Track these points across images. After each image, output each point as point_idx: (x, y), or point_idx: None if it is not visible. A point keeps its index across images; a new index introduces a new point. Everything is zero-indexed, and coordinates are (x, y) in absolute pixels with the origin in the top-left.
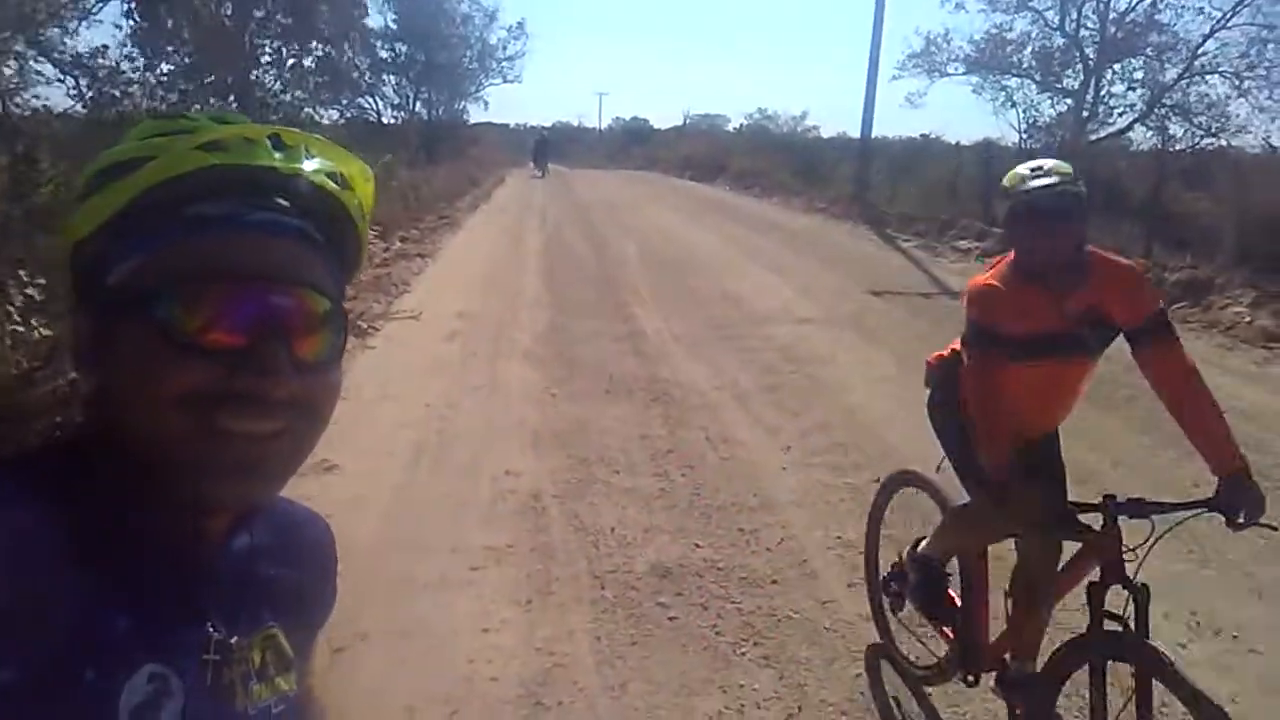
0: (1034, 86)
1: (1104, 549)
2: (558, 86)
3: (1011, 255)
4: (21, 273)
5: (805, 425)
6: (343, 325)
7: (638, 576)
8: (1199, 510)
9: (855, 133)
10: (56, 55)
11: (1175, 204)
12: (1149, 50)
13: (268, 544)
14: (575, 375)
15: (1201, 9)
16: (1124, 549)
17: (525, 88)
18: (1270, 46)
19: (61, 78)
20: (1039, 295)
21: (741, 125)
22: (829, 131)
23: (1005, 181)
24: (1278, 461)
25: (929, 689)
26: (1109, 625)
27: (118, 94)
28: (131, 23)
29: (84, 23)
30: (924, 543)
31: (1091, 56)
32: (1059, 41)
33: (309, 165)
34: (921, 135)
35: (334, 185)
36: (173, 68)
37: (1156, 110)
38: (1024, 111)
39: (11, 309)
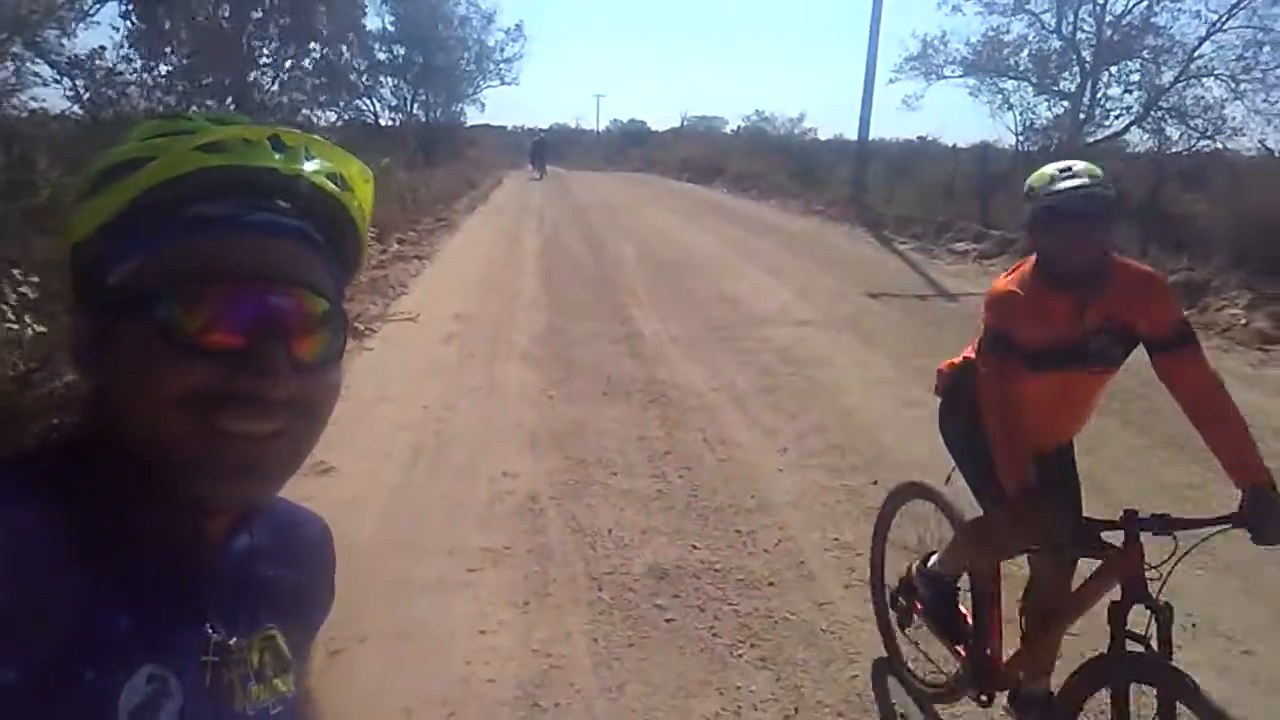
0: (1031, 89)
1: (1125, 566)
2: (555, 88)
3: (1033, 259)
4: (15, 272)
5: (802, 427)
6: (342, 326)
7: (635, 578)
8: (1225, 526)
9: (852, 135)
10: (53, 57)
11: (1172, 206)
12: (1145, 53)
13: (267, 545)
14: (573, 377)
15: (1198, 12)
16: (1146, 566)
17: (523, 90)
18: (1266, 49)
19: (58, 79)
20: (1060, 302)
21: (739, 127)
22: (826, 134)
23: (1032, 181)
24: (1275, 464)
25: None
26: (1130, 646)
27: (115, 96)
28: (129, 24)
29: (81, 24)
30: (934, 558)
31: (1088, 59)
32: (1055, 44)
33: (309, 166)
34: (918, 137)
35: (334, 186)
36: (170, 69)
37: (1153, 113)
38: (1021, 114)
39: (6, 307)
